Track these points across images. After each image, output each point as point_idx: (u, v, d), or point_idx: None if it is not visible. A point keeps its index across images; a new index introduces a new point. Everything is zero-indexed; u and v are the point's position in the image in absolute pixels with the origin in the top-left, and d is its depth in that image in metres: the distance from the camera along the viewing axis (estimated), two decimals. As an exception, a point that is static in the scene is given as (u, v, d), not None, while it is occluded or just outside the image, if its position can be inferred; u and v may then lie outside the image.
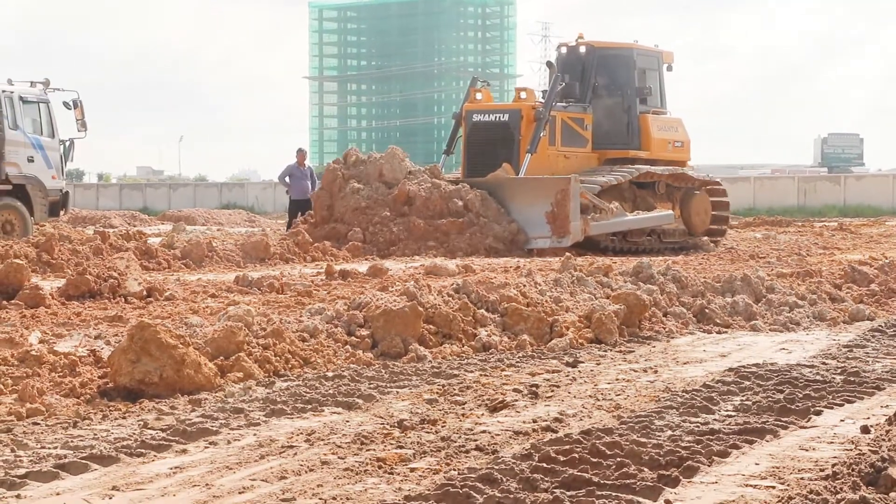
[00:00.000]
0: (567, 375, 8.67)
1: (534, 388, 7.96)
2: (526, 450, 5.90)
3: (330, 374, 8.61)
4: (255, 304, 11.94)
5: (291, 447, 6.18)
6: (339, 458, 5.92)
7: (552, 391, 7.97)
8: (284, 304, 12.26)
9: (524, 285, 11.76)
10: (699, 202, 26.47)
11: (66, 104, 26.24)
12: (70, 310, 11.97)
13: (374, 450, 6.10)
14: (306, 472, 5.65)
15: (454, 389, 7.97)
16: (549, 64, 26.35)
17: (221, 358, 8.43)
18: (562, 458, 5.63)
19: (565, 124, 25.37)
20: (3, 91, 24.90)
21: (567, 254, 16.23)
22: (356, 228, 22.49)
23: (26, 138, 25.19)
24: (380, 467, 5.72)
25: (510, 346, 10.19)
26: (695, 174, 27.07)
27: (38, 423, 6.76)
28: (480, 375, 8.61)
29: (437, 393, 7.84)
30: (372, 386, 8.06)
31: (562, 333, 10.47)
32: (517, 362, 9.34)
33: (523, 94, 25.60)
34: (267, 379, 8.35)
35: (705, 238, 26.39)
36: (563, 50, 26.64)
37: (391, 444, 6.26)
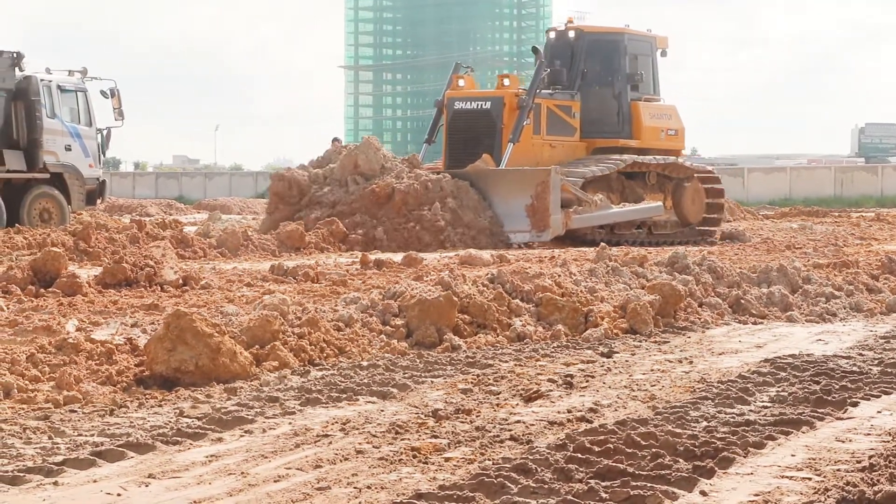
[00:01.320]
0: (602, 366, 8.65)
1: (568, 379, 7.95)
2: (561, 440, 5.89)
3: (365, 363, 8.62)
4: (290, 293, 11.97)
5: (326, 436, 6.19)
6: (373, 447, 5.93)
7: (587, 381, 7.96)
8: (319, 294, 12.29)
9: (559, 275, 11.73)
10: (692, 193, 25.62)
11: (103, 93, 26.38)
12: (107, 298, 12.03)
13: (409, 439, 6.11)
14: (341, 460, 5.66)
15: (489, 379, 7.97)
16: (534, 49, 25.51)
17: (257, 347, 8.46)
18: (597, 449, 5.62)
19: (551, 112, 24.61)
20: (42, 80, 25.05)
21: (602, 244, 16.17)
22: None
23: (64, 127, 25.34)
24: (414, 457, 5.72)
25: (545, 336, 10.17)
26: (688, 163, 26.31)
27: (75, 411, 6.80)
28: (515, 365, 8.61)
29: (472, 383, 7.84)
30: (406, 375, 8.07)
31: (597, 324, 10.45)
32: (552, 352, 9.33)
33: (506, 81, 24.84)
34: (302, 368, 8.37)
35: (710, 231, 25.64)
36: (552, 35, 25.93)
37: (426, 433, 6.26)
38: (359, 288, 12.67)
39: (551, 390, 7.55)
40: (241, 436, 6.23)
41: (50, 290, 12.28)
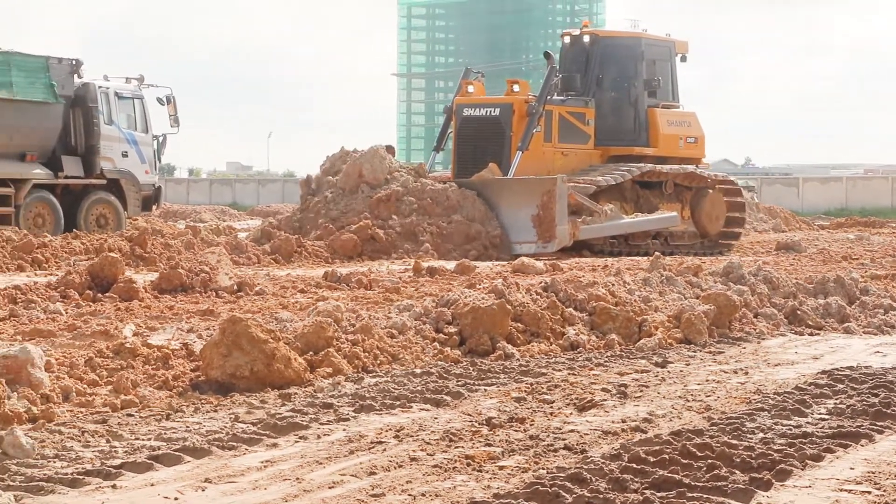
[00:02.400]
0: (656, 375, 8.61)
1: (622, 388, 7.92)
2: (615, 450, 5.87)
3: (418, 370, 8.63)
4: (343, 299, 12.02)
5: (380, 443, 6.21)
6: (427, 454, 5.94)
7: (641, 391, 7.92)
8: (373, 301, 12.32)
9: (613, 284, 11.70)
10: (711, 203, 24.97)
11: (159, 100, 26.65)
12: (163, 303, 12.14)
13: (463, 447, 6.11)
14: (395, 468, 5.67)
15: (542, 388, 7.96)
16: (546, 54, 24.69)
17: (311, 353, 8.50)
18: (651, 459, 5.59)
19: (563, 119, 23.98)
20: (100, 87, 25.33)
21: (657, 253, 16.09)
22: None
23: (121, 133, 25.61)
24: (468, 465, 5.72)
25: (598, 346, 10.14)
26: (707, 172, 25.49)
27: (132, 415, 6.85)
28: (568, 374, 8.58)
29: (525, 391, 7.82)
30: (460, 383, 8.07)
31: (650, 333, 10.40)
32: (605, 361, 9.29)
33: (516, 87, 24.16)
34: (355, 374, 8.40)
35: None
36: (567, 40, 25.28)
37: (479, 441, 6.26)
38: (412, 295, 12.70)
39: (605, 400, 7.53)
40: (296, 442, 6.26)
41: (107, 294, 12.41)
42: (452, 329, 9.80)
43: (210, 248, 16.98)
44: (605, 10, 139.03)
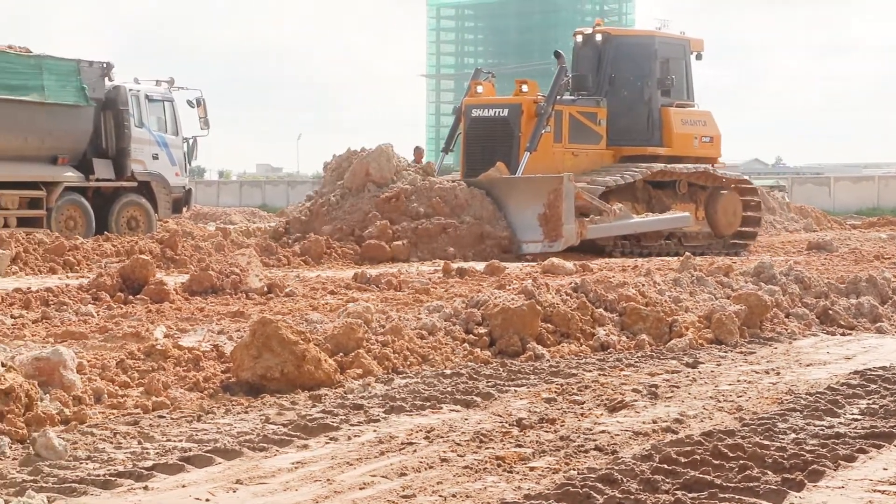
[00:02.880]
0: (687, 376, 8.58)
1: (653, 389, 7.89)
2: (646, 450, 5.85)
3: (448, 371, 8.63)
4: (373, 300, 12.04)
5: (411, 444, 6.21)
6: (458, 455, 5.93)
7: (672, 392, 7.90)
8: (402, 302, 12.33)
9: (643, 284, 11.66)
10: (726, 203, 24.63)
11: (189, 102, 26.76)
12: (193, 305, 12.19)
13: (493, 448, 6.10)
14: (426, 469, 5.67)
15: (572, 388, 7.94)
16: (556, 54, 24.13)
17: (341, 354, 8.51)
18: (683, 460, 5.57)
19: (574, 119, 23.64)
20: (130, 90, 25.45)
21: (687, 253, 16.03)
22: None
23: (151, 136, 25.72)
24: (499, 465, 5.71)
25: (629, 346, 10.12)
26: (721, 172, 25.02)
27: (164, 416, 6.88)
28: (599, 375, 8.57)
29: (556, 392, 7.81)
30: (490, 384, 8.06)
31: (681, 333, 10.37)
32: (636, 362, 9.27)
33: (524, 87, 23.78)
34: (386, 376, 8.40)
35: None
36: (579, 38, 24.95)
37: (510, 442, 6.25)
38: (441, 296, 12.70)
39: (636, 400, 7.50)
40: (327, 443, 6.27)
41: (138, 296, 12.47)
42: (482, 330, 9.80)
43: (240, 249, 17.05)
44: (635, 9, 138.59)
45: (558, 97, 23.06)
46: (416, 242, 20.59)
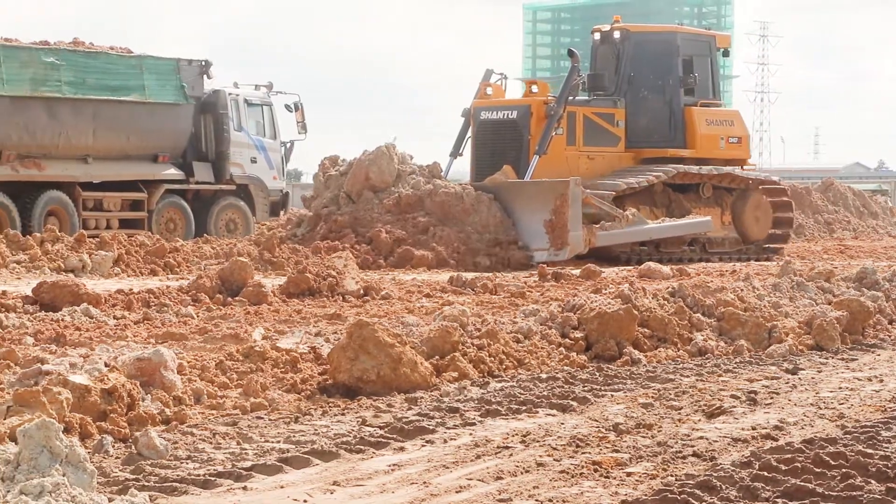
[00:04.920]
0: (787, 382, 8.46)
1: (752, 395, 7.79)
2: (745, 457, 5.78)
3: (544, 375, 8.60)
4: (469, 304, 12.05)
5: (507, 448, 6.20)
6: (554, 460, 5.91)
7: (771, 398, 7.79)
8: (498, 305, 12.33)
9: (742, 290, 11.53)
10: (754, 206, 23.30)
11: (287, 107, 27.07)
12: (291, 307, 12.29)
13: (590, 453, 6.07)
14: (522, 473, 5.65)
15: (670, 394, 7.87)
16: (570, 52, 22.95)
17: (437, 357, 8.52)
18: (783, 468, 5.49)
19: (589, 121, 22.45)
20: (230, 94, 25.81)
21: (786, 258, 15.81)
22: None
23: (250, 140, 26.06)
24: (596, 471, 5.68)
25: (727, 352, 10.01)
26: (747, 174, 23.74)
27: (262, 418, 6.95)
28: (696, 380, 8.48)
29: (653, 397, 7.75)
30: (586, 388, 8.02)
31: (781, 339, 10.23)
32: (734, 368, 9.16)
33: (534, 88, 22.89)
34: (481, 379, 8.40)
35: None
36: (597, 36, 23.75)
37: (607, 447, 6.21)
38: (537, 300, 12.67)
39: (734, 406, 7.41)
40: (423, 446, 6.28)
41: (237, 298, 12.60)
42: (578, 334, 9.75)
43: (337, 252, 17.16)
44: (733, 11, 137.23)
45: (571, 98, 22.02)
46: (422, 248, 19.25)
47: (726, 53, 24.82)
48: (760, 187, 23.68)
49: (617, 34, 23.17)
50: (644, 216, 21.23)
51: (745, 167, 24.26)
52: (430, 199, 20.25)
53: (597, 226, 20.25)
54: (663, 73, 23.23)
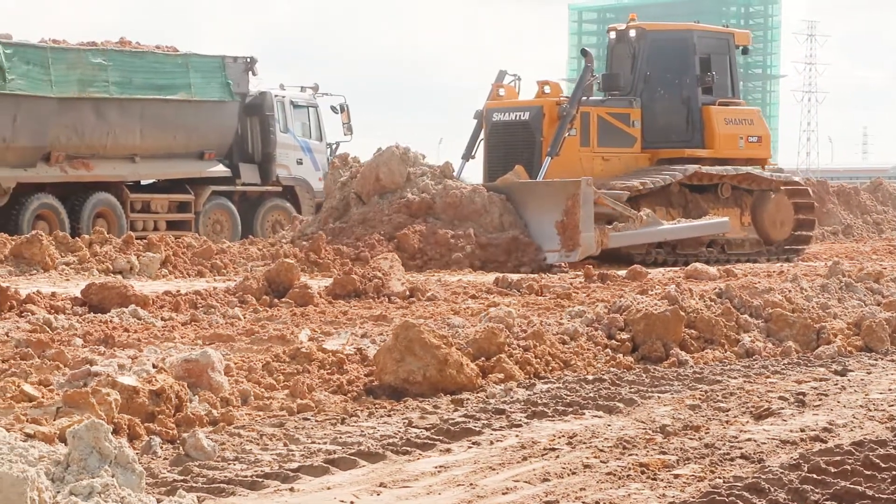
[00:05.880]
0: (835, 384, 8.39)
1: (800, 397, 7.74)
2: (794, 459, 5.73)
3: (590, 377, 8.58)
4: (514, 305, 12.03)
5: (553, 449, 6.18)
6: (601, 461, 5.89)
7: (820, 400, 7.73)
8: (544, 307, 12.31)
9: (789, 290, 11.46)
10: (775, 207, 22.80)
11: (333, 108, 27.20)
12: (337, 308, 12.33)
13: (637, 454, 6.04)
14: (569, 474, 5.64)
15: (717, 395, 7.83)
16: (583, 52, 22.59)
17: (483, 359, 8.52)
18: (833, 470, 5.44)
19: (603, 121, 22.02)
20: (276, 96, 25.97)
21: (835, 258, 15.70)
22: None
23: (296, 141, 26.20)
24: (643, 472, 5.66)
25: (774, 353, 9.94)
26: (766, 174, 23.17)
27: (308, 419, 6.97)
28: (744, 382, 8.43)
29: (700, 399, 7.71)
30: (633, 390, 7.99)
31: (829, 341, 10.15)
32: (782, 369, 9.10)
33: (547, 88, 22.33)
34: (527, 380, 8.39)
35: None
36: (612, 35, 23.28)
37: (654, 449, 6.19)
38: (583, 301, 12.64)
39: (783, 408, 7.36)
40: (469, 447, 6.28)
41: (283, 300, 12.65)
42: (625, 335, 9.72)
43: (383, 253, 17.19)
44: (781, 10, 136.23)
45: (584, 98, 21.71)
46: (429, 252, 18.95)
47: (745, 51, 24.28)
48: (782, 188, 23.26)
49: (633, 33, 22.75)
50: (660, 217, 20.87)
51: (766, 167, 23.86)
52: (441, 199, 19.84)
53: (609, 226, 19.86)
54: (680, 72, 22.81)
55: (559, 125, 21.22)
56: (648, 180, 21.31)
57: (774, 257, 22.54)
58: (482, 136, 22.45)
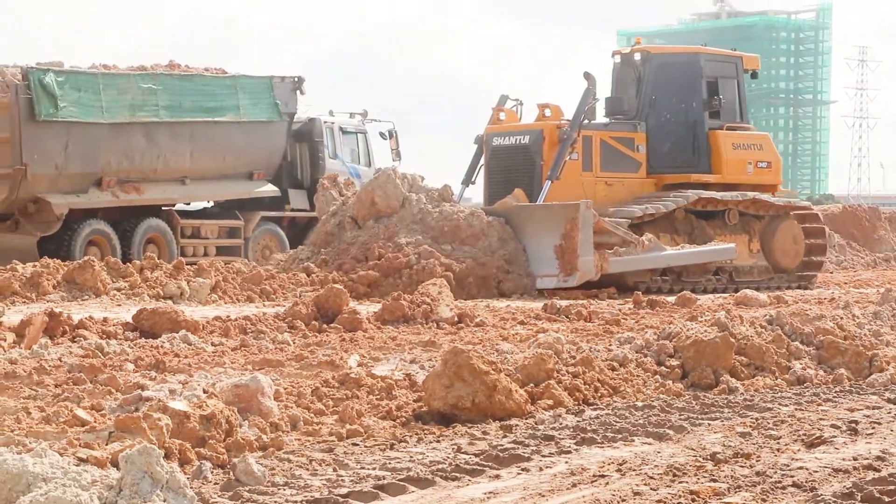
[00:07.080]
0: (889, 412, 8.30)
1: (853, 425, 7.66)
2: (847, 488, 5.68)
3: (639, 403, 8.54)
4: (563, 331, 12.01)
5: (603, 476, 6.16)
6: (651, 489, 5.86)
7: (873, 428, 7.65)
8: (592, 333, 12.27)
9: (841, 317, 11.37)
10: (785, 233, 22.26)
11: (381, 134, 27.31)
12: (385, 334, 12.35)
13: (687, 482, 6.01)
14: (618, 502, 5.61)
15: (768, 423, 7.77)
16: (585, 75, 21.90)
17: (531, 385, 8.50)
18: (886, 500, 5.39)
19: (606, 145, 21.58)
20: (325, 122, 26.14)
21: (887, 285, 15.55)
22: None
23: (345, 167, 26.31)
24: (693, 500, 5.62)
25: (826, 381, 9.86)
26: (774, 199, 22.66)
27: (357, 444, 6.98)
28: (795, 409, 8.36)
29: (751, 426, 7.65)
30: (682, 417, 7.95)
31: (882, 368, 10.05)
32: (834, 397, 9.02)
33: (547, 111, 21.91)
34: (576, 407, 8.37)
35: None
36: (617, 59, 22.93)
37: (704, 476, 6.14)
38: (632, 328, 12.60)
39: (835, 436, 7.29)
40: (518, 473, 6.26)
41: (332, 325, 12.69)
42: (674, 362, 9.68)
43: (431, 279, 17.21)
44: (832, 36, 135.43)
45: (586, 121, 21.25)
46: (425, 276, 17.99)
47: (755, 75, 23.81)
48: (792, 214, 22.80)
49: (637, 56, 22.49)
50: (664, 244, 20.39)
51: (776, 193, 23.39)
52: (437, 222, 19.38)
53: (610, 251, 19.28)
54: (686, 96, 22.42)
55: (560, 149, 20.85)
56: (651, 207, 20.94)
57: (785, 284, 22.13)
58: (482, 160, 22.20)
